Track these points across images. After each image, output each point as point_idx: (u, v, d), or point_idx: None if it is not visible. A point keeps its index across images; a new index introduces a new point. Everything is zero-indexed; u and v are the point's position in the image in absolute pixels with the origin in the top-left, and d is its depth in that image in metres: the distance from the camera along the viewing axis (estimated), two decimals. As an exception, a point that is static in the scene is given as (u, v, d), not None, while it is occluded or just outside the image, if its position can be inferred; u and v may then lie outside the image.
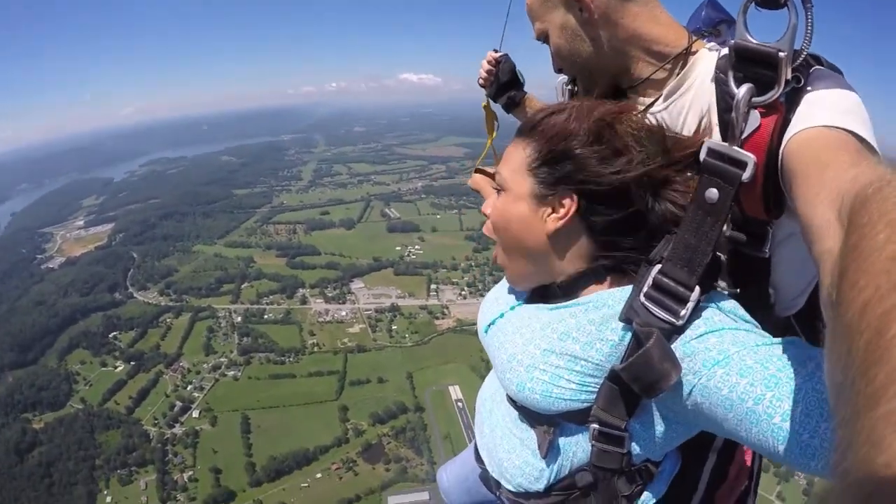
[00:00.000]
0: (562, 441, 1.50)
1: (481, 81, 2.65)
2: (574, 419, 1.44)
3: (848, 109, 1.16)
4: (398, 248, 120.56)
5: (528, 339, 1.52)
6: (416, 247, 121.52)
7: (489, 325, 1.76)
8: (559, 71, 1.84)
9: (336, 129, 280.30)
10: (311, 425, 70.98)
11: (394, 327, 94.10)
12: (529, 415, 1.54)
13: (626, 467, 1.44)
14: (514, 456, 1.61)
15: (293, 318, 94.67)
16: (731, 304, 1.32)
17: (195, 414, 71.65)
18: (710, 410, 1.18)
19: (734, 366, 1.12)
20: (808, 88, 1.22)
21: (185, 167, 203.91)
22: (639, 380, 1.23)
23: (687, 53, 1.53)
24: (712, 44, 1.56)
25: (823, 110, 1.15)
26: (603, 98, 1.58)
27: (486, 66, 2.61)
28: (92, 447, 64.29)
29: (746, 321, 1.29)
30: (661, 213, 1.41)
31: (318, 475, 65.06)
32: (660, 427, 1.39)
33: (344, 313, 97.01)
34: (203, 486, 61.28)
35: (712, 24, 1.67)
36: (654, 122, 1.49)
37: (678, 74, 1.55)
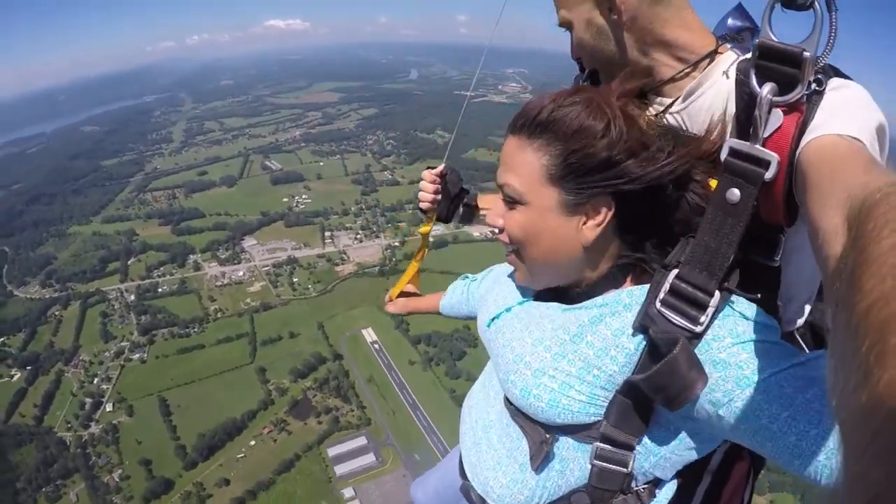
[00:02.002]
0: (557, 457, 1.40)
1: (426, 205, 2.34)
2: (577, 433, 1.35)
3: (865, 120, 1.14)
4: (285, 199, 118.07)
5: (537, 338, 1.42)
6: (304, 196, 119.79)
7: (493, 320, 1.64)
8: (578, 60, 1.77)
9: (202, 85, 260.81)
10: (232, 393, 68.28)
11: (295, 280, 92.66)
12: (527, 423, 1.43)
13: (626, 489, 1.37)
14: (500, 473, 1.50)
15: (189, 287, 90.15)
16: (753, 310, 1.22)
17: (109, 408, 66.54)
18: (735, 428, 1.12)
19: (774, 393, 1.05)
20: (827, 94, 1.19)
21: (46, 144, 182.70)
22: (663, 390, 1.14)
23: (712, 57, 1.48)
24: (735, 50, 1.52)
25: (841, 118, 1.12)
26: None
27: (430, 187, 2.32)
28: (8, 470, 57.92)
29: (768, 327, 1.20)
30: (689, 207, 1.34)
31: (252, 443, 63.10)
32: (674, 443, 1.32)
33: (241, 273, 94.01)
34: (137, 482, 57.38)
35: (737, 31, 1.60)
36: (670, 121, 1.47)
37: (699, 75, 1.50)
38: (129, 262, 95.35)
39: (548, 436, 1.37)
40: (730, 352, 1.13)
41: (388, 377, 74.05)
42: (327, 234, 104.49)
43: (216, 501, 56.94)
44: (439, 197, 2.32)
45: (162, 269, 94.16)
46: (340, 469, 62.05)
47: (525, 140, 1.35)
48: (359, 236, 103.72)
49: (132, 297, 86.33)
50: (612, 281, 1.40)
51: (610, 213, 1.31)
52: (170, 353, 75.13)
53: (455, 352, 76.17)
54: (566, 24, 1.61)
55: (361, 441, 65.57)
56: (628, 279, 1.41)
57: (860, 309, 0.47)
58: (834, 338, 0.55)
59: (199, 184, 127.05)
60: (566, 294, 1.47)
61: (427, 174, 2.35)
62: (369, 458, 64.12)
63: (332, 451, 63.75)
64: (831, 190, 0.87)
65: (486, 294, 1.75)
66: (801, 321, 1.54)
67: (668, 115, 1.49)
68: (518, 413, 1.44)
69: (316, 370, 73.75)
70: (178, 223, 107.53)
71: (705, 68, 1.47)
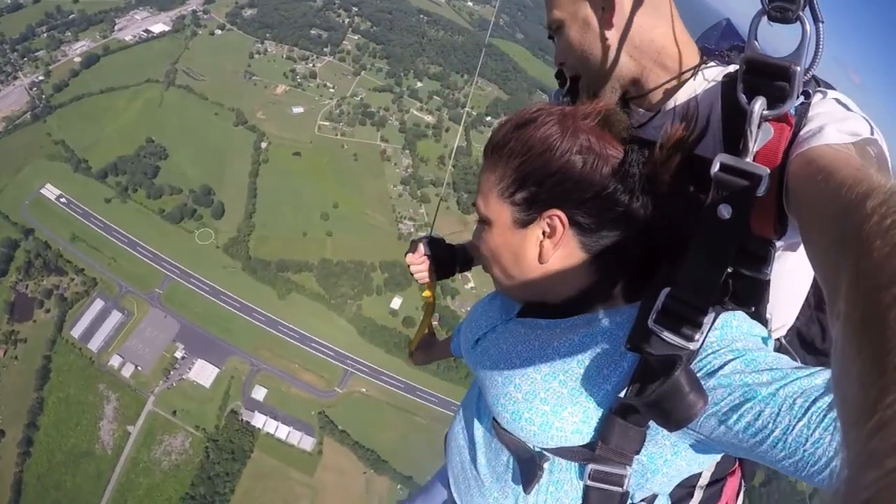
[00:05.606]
0: (549, 479, 1.33)
1: (424, 280, 2.35)
2: (570, 456, 1.26)
3: (855, 127, 1.13)
4: None
5: (525, 359, 1.33)
6: None
7: (478, 341, 1.56)
8: (560, 66, 1.71)
9: None
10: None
11: (-70, 170, 76.35)
12: (517, 446, 1.36)
13: None
14: (491, 499, 1.47)
15: None
16: (749, 323, 1.16)
17: None
18: (742, 442, 1.02)
19: (785, 404, 0.96)
20: (815, 105, 1.19)
21: None
22: (662, 412, 1.06)
23: (695, 71, 1.49)
24: (719, 65, 1.51)
25: (830, 127, 1.11)
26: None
27: (422, 268, 2.31)
28: None
29: (766, 339, 1.15)
30: (668, 218, 1.27)
31: None
32: (671, 459, 1.23)
33: None
34: None
35: (727, 47, 1.57)
36: (650, 134, 1.45)
37: (680, 89, 1.51)
38: None
39: (540, 458, 1.30)
40: (732, 366, 1.06)
41: (91, 226, 65.72)
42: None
43: (4, 458, 51.58)
44: (432, 268, 2.30)
45: None
46: (94, 343, 58.12)
47: (486, 162, 1.37)
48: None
49: None
50: (596, 297, 1.32)
51: (564, 228, 1.25)
52: None
53: (149, 170, 65.87)
54: (555, 24, 1.60)
55: (98, 305, 60.45)
56: (616, 294, 1.32)
57: (857, 323, 0.48)
58: (836, 349, 0.55)
59: None
60: (551, 309, 1.37)
61: (412, 258, 2.29)
62: (116, 317, 59.82)
63: (77, 332, 59.63)
64: (823, 202, 0.85)
65: (470, 315, 1.69)
66: (787, 329, 1.51)
67: (649, 128, 1.47)
68: (507, 436, 1.35)
69: (13, 259, 64.12)
70: None
71: (688, 81, 1.46)
